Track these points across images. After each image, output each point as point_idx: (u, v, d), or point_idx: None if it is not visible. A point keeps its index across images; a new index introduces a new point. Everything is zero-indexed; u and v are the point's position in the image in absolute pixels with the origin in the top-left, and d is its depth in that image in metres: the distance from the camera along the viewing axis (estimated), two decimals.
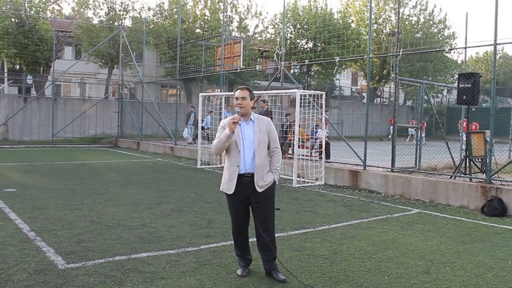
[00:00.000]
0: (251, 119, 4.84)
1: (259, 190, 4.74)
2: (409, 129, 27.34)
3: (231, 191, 4.74)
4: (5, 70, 30.10)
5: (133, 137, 24.88)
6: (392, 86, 36.80)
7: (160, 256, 5.46)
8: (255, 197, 4.77)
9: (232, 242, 5.12)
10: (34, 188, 10.13)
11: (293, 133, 12.61)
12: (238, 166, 4.72)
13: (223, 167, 15.52)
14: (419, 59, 36.01)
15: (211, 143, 4.99)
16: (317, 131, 14.42)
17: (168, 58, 30.84)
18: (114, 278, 4.68)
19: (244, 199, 4.80)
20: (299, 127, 12.29)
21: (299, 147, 12.63)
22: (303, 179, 12.24)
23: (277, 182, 4.96)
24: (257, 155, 4.74)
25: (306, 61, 17.89)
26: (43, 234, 6.23)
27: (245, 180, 4.72)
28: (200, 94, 15.94)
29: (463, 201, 9.35)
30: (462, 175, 10.36)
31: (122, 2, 29.93)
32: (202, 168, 15.06)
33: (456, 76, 16.18)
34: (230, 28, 32.89)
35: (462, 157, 11.07)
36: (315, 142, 14.17)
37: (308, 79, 35.56)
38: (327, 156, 13.75)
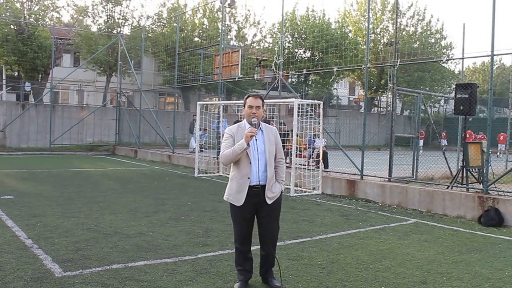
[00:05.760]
0: (260, 128, 4.70)
1: (269, 201, 4.64)
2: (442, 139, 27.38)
3: (239, 202, 4.59)
4: (4, 77, 30.11)
5: (131, 145, 24.87)
6: (389, 95, 36.95)
7: (157, 264, 5.45)
8: (263, 209, 4.65)
9: (230, 251, 5.10)
10: (31, 196, 10.11)
11: (290, 142, 12.64)
12: (248, 178, 4.58)
13: (220, 175, 15.27)
14: (416, 69, 36.20)
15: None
16: (314, 140, 14.44)
17: (166, 66, 30.93)
18: (111, 286, 4.67)
19: (252, 211, 4.67)
20: (297, 136, 12.31)
21: (296, 156, 12.64)
22: (300, 188, 12.24)
23: (282, 193, 4.90)
24: (268, 167, 4.63)
25: (304, 71, 17.97)
26: (40, 242, 6.21)
27: (254, 192, 4.58)
28: (198, 102, 15.97)
29: (460, 211, 9.37)
30: (459, 185, 10.39)
31: (121, 11, 30.09)
32: (200, 177, 15.05)
33: (453, 86, 16.28)
34: (229, 37, 33.03)
35: (459, 167, 11.10)
36: (312, 152, 14.19)
37: (306, 88, 35.69)
38: (326, 165, 13.76)
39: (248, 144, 4.48)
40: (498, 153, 26.64)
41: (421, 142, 26.97)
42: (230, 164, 4.73)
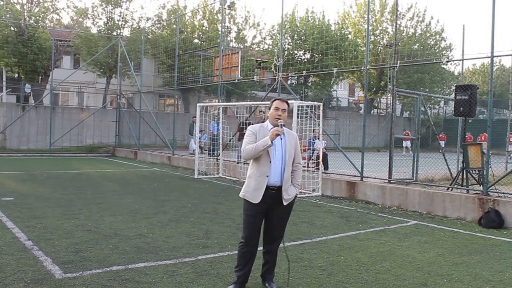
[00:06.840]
0: (282, 131, 4.80)
1: (285, 203, 4.74)
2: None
3: (256, 200, 4.65)
4: (4, 79, 30.10)
5: (131, 147, 24.88)
6: (389, 97, 36.94)
7: (157, 266, 5.45)
8: (277, 210, 4.74)
9: (229, 252, 5.09)
10: (31, 197, 10.11)
11: None
12: (267, 176, 4.66)
13: (220, 177, 15.22)
14: (416, 71, 36.20)
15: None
16: (314, 142, 14.43)
17: (166, 68, 30.95)
18: None
19: (265, 210, 4.75)
20: None
21: None
22: (300, 190, 12.22)
23: (297, 196, 4.99)
24: (286, 169, 4.74)
25: (304, 72, 17.97)
26: (40, 244, 6.21)
27: (270, 192, 4.67)
28: (198, 104, 15.98)
29: (460, 213, 9.37)
30: (459, 186, 10.38)
31: (121, 12, 30.11)
32: (200, 178, 15.05)
33: (453, 87, 16.30)
34: (228, 38, 33.06)
35: (459, 169, 11.10)
36: (312, 153, 14.18)
37: (306, 90, 35.70)
38: (326, 167, 13.76)
39: (272, 142, 4.58)
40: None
41: (408, 143, 26.90)
42: (240, 163, 4.78)
